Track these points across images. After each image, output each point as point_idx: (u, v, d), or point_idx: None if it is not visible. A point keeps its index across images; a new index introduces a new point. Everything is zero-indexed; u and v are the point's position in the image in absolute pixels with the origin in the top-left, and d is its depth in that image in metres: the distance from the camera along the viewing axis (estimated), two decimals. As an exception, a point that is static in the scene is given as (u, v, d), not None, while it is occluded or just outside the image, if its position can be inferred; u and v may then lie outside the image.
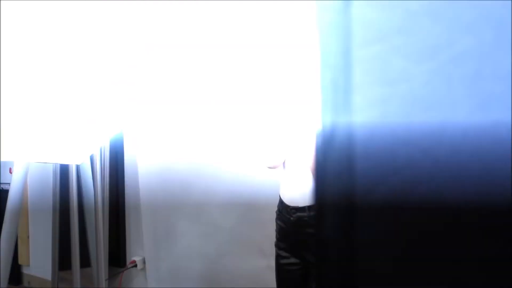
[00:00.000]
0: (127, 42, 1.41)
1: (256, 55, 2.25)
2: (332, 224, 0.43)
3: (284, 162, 1.72)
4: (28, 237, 3.69)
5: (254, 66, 2.24)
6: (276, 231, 1.76)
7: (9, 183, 2.55)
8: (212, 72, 2.41)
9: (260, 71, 1.88)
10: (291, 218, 1.67)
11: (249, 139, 2.27)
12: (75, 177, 2.60)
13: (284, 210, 1.70)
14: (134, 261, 2.99)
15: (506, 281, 0.39)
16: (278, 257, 1.75)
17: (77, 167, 2.62)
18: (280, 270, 1.75)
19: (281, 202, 1.73)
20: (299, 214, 1.65)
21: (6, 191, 2.50)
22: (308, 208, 1.62)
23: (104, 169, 2.90)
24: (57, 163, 2.75)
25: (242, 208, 2.33)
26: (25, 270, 3.79)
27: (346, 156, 0.42)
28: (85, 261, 2.73)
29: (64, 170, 2.77)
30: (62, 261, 2.91)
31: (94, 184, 2.70)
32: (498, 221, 0.39)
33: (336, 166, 0.43)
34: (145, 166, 2.74)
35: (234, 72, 2.34)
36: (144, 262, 2.91)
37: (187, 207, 2.52)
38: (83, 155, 1.95)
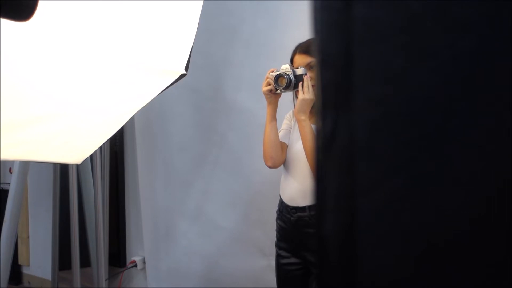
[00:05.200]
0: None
1: (256, 54, 2.25)
2: (332, 224, 0.43)
3: (284, 162, 1.72)
4: (28, 237, 3.69)
5: (253, 65, 2.24)
6: (277, 231, 1.76)
7: (9, 183, 2.55)
8: (212, 71, 2.41)
9: (259, 70, 1.88)
10: (292, 218, 1.67)
11: (249, 138, 2.27)
12: (75, 177, 2.60)
13: (284, 210, 1.70)
14: (134, 261, 2.99)
15: (508, 282, 0.39)
16: (278, 257, 1.75)
17: (77, 167, 2.62)
18: (281, 270, 1.75)
19: (281, 202, 1.73)
20: (299, 214, 1.64)
21: (6, 191, 2.50)
22: (309, 208, 1.62)
23: (104, 169, 2.90)
24: (57, 163, 2.75)
25: (242, 208, 2.33)
26: (25, 270, 3.79)
27: (346, 156, 0.42)
28: (85, 261, 2.73)
29: (64, 170, 2.77)
30: (62, 261, 2.91)
31: (94, 184, 2.70)
32: (500, 222, 0.39)
33: (336, 166, 0.43)
34: (145, 166, 2.73)
35: (233, 71, 2.34)
36: (144, 262, 2.91)
37: (187, 207, 2.51)
38: (83, 155, 1.95)
